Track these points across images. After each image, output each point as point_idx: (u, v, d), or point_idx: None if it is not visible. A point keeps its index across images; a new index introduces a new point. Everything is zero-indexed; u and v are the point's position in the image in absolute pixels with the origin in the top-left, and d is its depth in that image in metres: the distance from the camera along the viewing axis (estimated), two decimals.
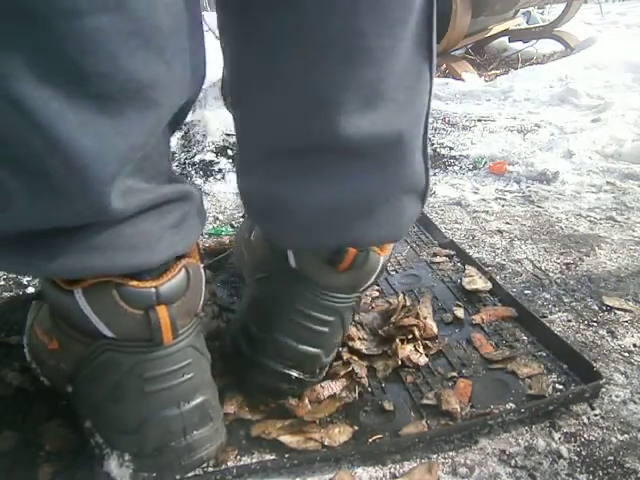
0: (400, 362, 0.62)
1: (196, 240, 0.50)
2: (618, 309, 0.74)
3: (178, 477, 0.48)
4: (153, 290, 0.44)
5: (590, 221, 1.05)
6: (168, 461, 0.46)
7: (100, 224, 0.41)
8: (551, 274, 0.85)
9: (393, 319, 0.68)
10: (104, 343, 0.46)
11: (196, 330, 0.49)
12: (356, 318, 0.70)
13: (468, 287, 0.77)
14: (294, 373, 0.55)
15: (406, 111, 0.51)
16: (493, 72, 2.75)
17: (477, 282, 0.78)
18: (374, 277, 0.57)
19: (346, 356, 0.62)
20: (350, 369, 0.60)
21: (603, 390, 0.58)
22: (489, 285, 0.77)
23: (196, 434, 0.47)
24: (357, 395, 0.58)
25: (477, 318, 0.70)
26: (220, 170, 1.38)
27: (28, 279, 0.85)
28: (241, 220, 1.06)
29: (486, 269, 0.82)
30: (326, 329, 0.56)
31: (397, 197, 0.54)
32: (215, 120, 1.63)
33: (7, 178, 0.39)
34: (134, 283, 0.44)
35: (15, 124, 0.35)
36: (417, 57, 0.50)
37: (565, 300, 0.77)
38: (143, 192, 0.43)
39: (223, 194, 1.25)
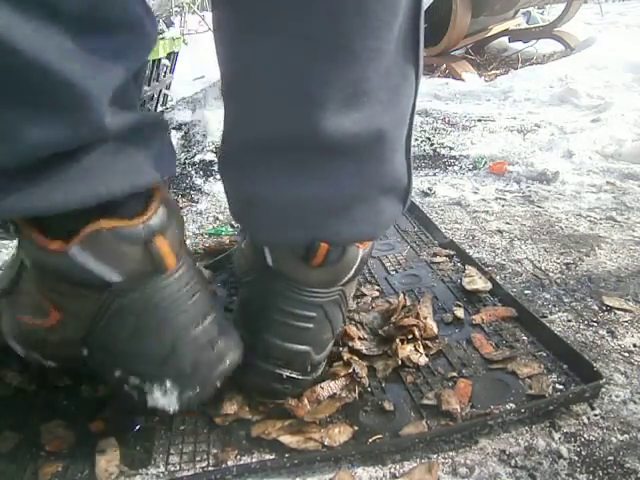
0: (400, 362, 0.62)
1: (174, 168, 0.53)
2: (618, 309, 0.74)
3: (218, 384, 0.51)
4: (143, 226, 0.46)
5: (590, 221, 1.05)
6: (204, 373, 0.50)
7: (94, 148, 0.43)
8: (551, 274, 0.85)
9: (393, 319, 0.68)
10: (111, 292, 0.47)
11: (188, 258, 0.51)
12: (356, 318, 0.70)
13: (468, 287, 0.77)
14: (285, 372, 0.55)
15: (389, 111, 0.51)
16: (493, 72, 2.76)
17: (477, 282, 0.78)
18: (353, 270, 0.57)
19: (346, 356, 0.62)
20: (351, 370, 0.60)
21: (603, 390, 0.58)
22: (489, 285, 0.77)
23: (221, 343, 0.50)
24: (357, 395, 0.58)
25: (477, 318, 0.70)
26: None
27: None
28: None
29: (486, 269, 0.82)
30: (310, 325, 0.55)
31: (375, 196, 0.54)
32: (215, 120, 1.64)
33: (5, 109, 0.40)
34: (124, 223, 0.45)
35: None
36: (402, 60, 0.50)
37: (565, 300, 0.77)
38: (126, 115, 0.45)
39: (223, 194, 1.25)
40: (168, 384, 0.49)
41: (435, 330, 0.67)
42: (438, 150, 1.56)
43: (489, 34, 3.01)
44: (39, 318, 0.52)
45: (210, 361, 0.50)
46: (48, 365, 0.57)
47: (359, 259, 0.56)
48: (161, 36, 1.70)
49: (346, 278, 0.57)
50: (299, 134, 0.49)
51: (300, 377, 0.56)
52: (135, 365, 0.49)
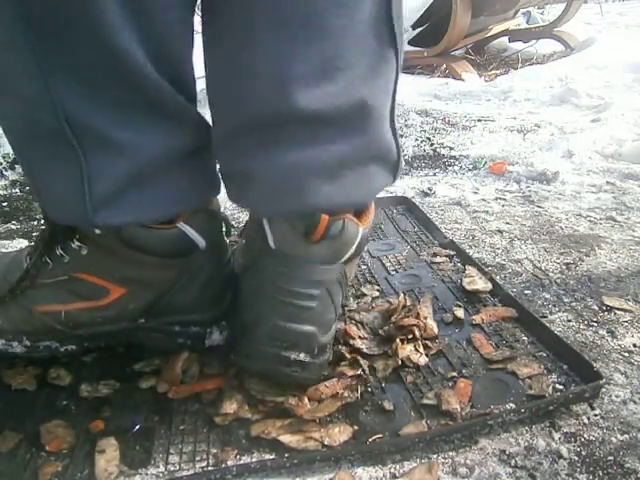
0: (400, 362, 0.62)
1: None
2: (618, 309, 0.74)
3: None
4: (218, 204, 0.65)
5: (590, 221, 1.05)
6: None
7: (194, 157, 0.58)
8: (551, 274, 0.85)
9: (393, 319, 0.68)
10: (198, 254, 0.61)
11: None
12: (356, 317, 0.70)
13: (468, 287, 0.77)
14: (292, 354, 0.55)
15: (367, 83, 0.54)
16: (493, 72, 2.76)
17: (477, 282, 0.78)
18: (354, 248, 0.58)
19: (351, 355, 0.62)
20: (360, 371, 0.60)
21: (603, 390, 0.58)
22: (489, 286, 0.77)
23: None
24: (359, 395, 0.58)
25: (477, 318, 0.70)
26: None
27: None
28: (241, 220, 1.06)
29: (486, 269, 0.82)
30: (314, 304, 0.55)
31: (365, 162, 0.57)
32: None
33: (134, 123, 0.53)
34: (212, 205, 0.63)
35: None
36: (376, 40, 0.53)
37: (565, 300, 0.77)
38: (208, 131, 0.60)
39: (223, 194, 1.25)
40: (224, 323, 0.64)
41: (435, 330, 0.67)
42: (438, 150, 1.56)
43: (489, 34, 3.01)
44: (91, 300, 0.61)
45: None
46: (65, 350, 0.63)
47: (359, 236, 0.58)
48: None
49: (347, 255, 0.57)
50: (278, 112, 0.52)
51: (308, 359, 0.56)
52: (195, 314, 0.63)
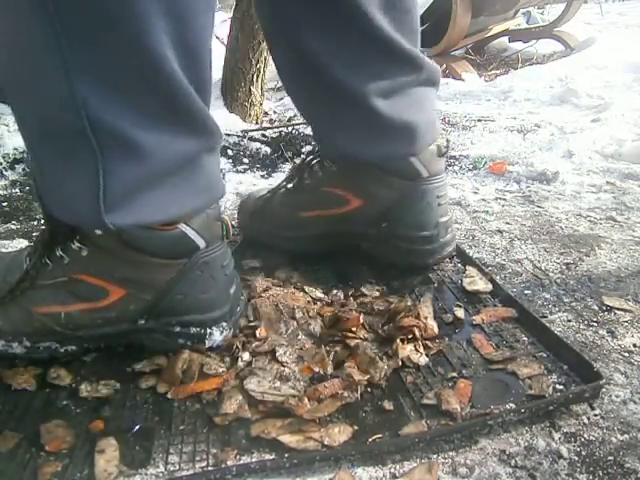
0: (400, 362, 0.62)
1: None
2: (618, 309, 0.74)
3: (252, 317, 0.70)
4: (217, 207, 0.65)
5: (590, 221, 1.05)
6: (238, 311, 0.69)
7: (208, 160, 0.61)
8: (551, 274, 0.85)
9: (394, 319, 0.68)
10: (198, 255, 0.62)
11: None
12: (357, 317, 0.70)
13: (469, 288, 0.77)
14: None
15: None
16: (493, 72, 2.76)
17: (478, 283, 0.77)
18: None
19: (350, 355, 0.62)
20: (368, 376, 0.60)
21: (603, 390, 0.58)
22: (490, 287, 0.77)
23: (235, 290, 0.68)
24: (359, 395, 0.58)
25: (477, 319, 0.70)
26: (220, 170, 1.38)
27: None
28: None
29: (486, 269, 0.82)
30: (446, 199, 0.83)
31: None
32: (216, 118, 1.63)
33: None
34: (213, 207, 0.64)
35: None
36: None
37: (565, 300, 0.77)
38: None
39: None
40: (223, 324, 0.65)
41: (435, 330, 0.67)
42: None
43: (489, 34, 3.01)
44: (91, 302, 0.62)
45: (241, 302, 0.70)
46: (64, 351, 0.63)
47: None
48: None
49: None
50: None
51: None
52: (197, 314, 0.64)
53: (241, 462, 0.51)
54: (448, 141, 0.82)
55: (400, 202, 0.80)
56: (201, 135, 0.59)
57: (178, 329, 0.64)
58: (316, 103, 0.79)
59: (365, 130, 0.76)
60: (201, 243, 0.62)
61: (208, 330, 0.64)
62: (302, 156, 0.95)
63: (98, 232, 0.58)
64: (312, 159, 0.87)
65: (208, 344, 0.64)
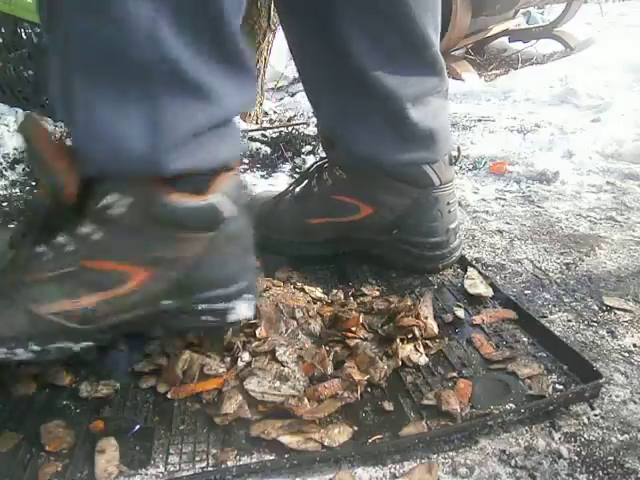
0: (400, 362, 0.62)
1: None
2: (618, 309, 0.74)
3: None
4: (243, 176, 0.66)
5: (590, 221, 1.05)
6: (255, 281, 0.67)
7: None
8: (551, 274, 0.85)
9: (393, 319, 0.68)
10: (224, 225, 0.59)
11: None
12: (357, 317, 0.70)
13: (470, 291, 0.76)
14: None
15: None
16: (493, 72, 2.76)
17: (479, 286, 0.77)
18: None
19: (350, 355, 0.62)
20: (368, 376, 0.60)
21: (603, 390, 0.58)
22: (490, 291, 0.76)
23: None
24: (359, 395, 0.58)
25: (477, 319, 0.70)
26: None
27: None
28: None
29: (486, 269, 0.82)
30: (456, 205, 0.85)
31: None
32: None
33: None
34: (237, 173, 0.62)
35: None
36: None
37: (565, 300, 0.77)
38: None
39: None
40: (250, 296, 0.63)
41: (435, 330, 0.67)
42: None
43: (489, 34, 3.01)
44: (110, 290, 0.56)
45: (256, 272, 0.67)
46: (78, 349, 0.57)
47: None
48: None
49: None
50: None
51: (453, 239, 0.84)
52: (225, 287, 0.61)
53: (241, 462, 0.51)
54: (459, 149, 0.83)
55: (412, 210, 0.80)
56: (246, 91, 0.61)
57: (202, 306, 0.61)
58: (340, 95, 0.78)
59: (392, 134, 0.76)
60: (231, 211, 0.59)
61: (230, 304, 0.62)
62: (302, 156, 0.98)
63: (128, 201, 0.54)
64: (320, 166, 0.87)
65: (232, 319, 0.62)
